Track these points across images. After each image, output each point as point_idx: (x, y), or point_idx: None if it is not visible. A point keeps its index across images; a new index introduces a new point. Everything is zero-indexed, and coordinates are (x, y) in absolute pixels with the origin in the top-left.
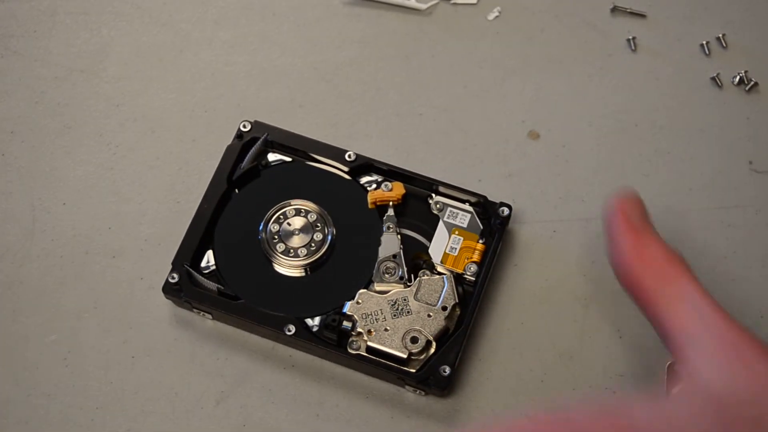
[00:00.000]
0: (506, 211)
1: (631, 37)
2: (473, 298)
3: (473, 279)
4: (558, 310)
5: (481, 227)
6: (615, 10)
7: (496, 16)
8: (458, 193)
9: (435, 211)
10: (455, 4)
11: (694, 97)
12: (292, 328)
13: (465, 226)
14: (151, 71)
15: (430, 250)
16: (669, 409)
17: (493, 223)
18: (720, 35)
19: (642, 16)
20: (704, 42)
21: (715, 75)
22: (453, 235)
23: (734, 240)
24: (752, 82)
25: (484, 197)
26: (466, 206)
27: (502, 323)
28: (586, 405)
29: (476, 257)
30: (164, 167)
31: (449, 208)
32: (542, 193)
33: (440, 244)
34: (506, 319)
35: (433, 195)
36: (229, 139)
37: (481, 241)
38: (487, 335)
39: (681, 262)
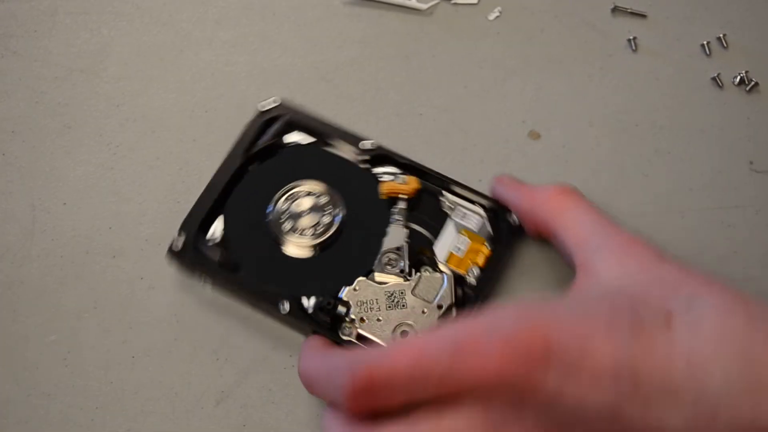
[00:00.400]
0: (516, 219)
1: (631, 37)
2: (471, 302)
3: (474, 283)
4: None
5: (491, 233)
6: (615, 10)
7: (497, 16)
8: (473, 196)
9: (445, 209)
10: (456, 4)
11: (694, 97)
12: (287, 306)
13: (474, 228)
14: (152, 71)
15: (435, 248)
16: (572, 298)
17: (503, 231)
18: (720, 35)
19: (642, 16)
20: (704, 42)
21: (715, 75)
22: (461, 236)
23: (734, 240)
24: (753, 83)
25: (496, 202)
26: (479, 209)
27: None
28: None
29: (480, 261)
30: (164, 167)
31: (460, 208)
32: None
33: (446, 243)
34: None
35: (445, 192)
36: (229, 139)
37: (487, 246)
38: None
39: (570, 192)
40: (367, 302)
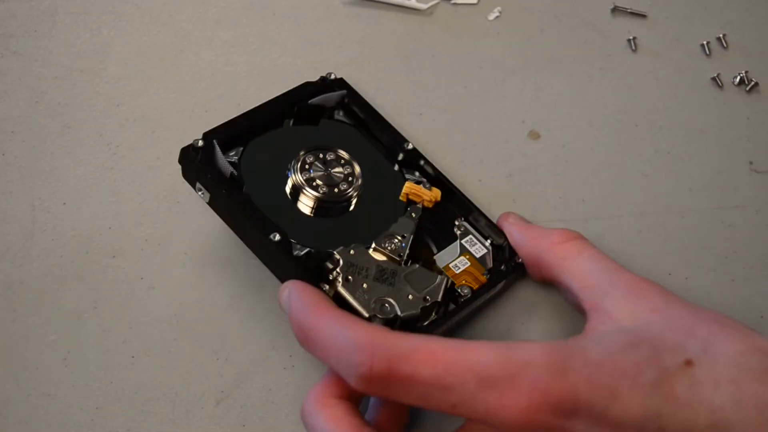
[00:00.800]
0: (521, 260)
1: (631, 37)
2: (454, 310)
3: (463, 298)
4: (558, 310)
5: (490, 266)
6: (615, 10)
7: (497, 17)
8: (487, 229)
9: (456, 231)
10: (456, 4)
11: (694, 97)
12: (277, 236)
13: (477, 256)
14: (152, 71)
15: (435, 257)
16: (595, 341)
17: (506, 267)
18: (720, 35)
19: (642, 16)
20: (704, 42)
21: (715, 75)
22: (462, 257)
23: (734, 240)
24: (752, 83)
25: (508, 242)
26: (486, 242)
27: (502, 323)
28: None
29: (474, 284)
30: (164, 167)
31: (470, 236)
32: (542, 193)
33: (447, 257)
34: (506, 319)
35: (461, 218)
36: None
37: (485, 275)
38: (488, 335)
39: (575, 239)
40: (357, 266)
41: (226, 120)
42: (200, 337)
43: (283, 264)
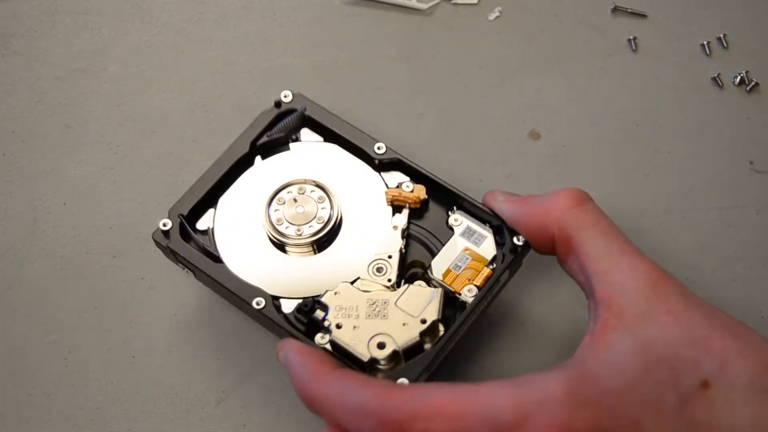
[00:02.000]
0: (521, 239)
1: (631, 37)
2: (459, 320)
3: (468, 302)
4: (558, 310)
5: (495, 253)
6: (615, 10)
7: (497, 16)
8: (483, 214)
9: (452, 224)
10: (456, 4)
11: (694, 97)
12: (262, 302)
13: (477, 247)
14: (152, 71)
15: (433, 262)
16: (609, 363)
17: (504, 250)
18: (720, 35)
19: (642, 16)
20: (705, 42)
21: (715, 75)
22: (462, 253)
23: (734, 240)
24: (753, 82)
25: (504, 222)
26: (486, 229)
27: (502, 324)
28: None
29: (479, 282)
30: (164, 167)
31: (467, 226)
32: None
33: (446, 259)
34: (506, 319)
35: (455, 208)
36: (229, 139)
37: (490, 267)
38: (487, 335)
39: (585, 202)
40: (346, 308)
41: (190, 186)
42: (200, 337)
43: (273, 325)
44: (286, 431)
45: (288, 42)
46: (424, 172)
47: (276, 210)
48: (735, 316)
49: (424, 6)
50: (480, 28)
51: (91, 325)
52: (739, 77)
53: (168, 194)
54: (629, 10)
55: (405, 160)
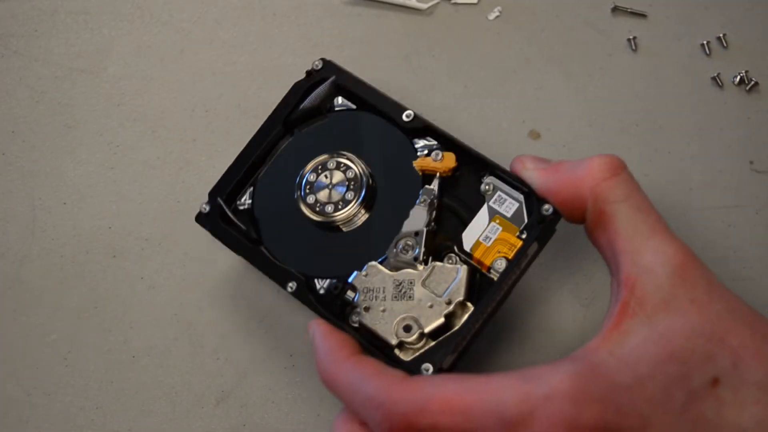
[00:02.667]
0: (550, 209)
1: (631, 37)
2: (487, 298)
3: (495, 278)
4: (558, 310)
5: (526, 221)
6: (615, 9)
7: (497, 16)
8: (513, 179)
9: (483, 193)
10: (456, 4)
11: (694, 97)
12: (294, 286)
13: (509, 215)
14: (152, 71)
15: (463, 235)
16: (615, 354)
17: (532, 221)
18: (720, 35)
19: (642, 16)
20: (704, 42)
21: (715, 75)
22: (492, 223)
23: (734, 240)
24: (753, 82)
25: (532, 190)
26: (517, 194)
27: (502, 323)
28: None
29: (509, 253)
30: (164, 167)
31: (499, 192)
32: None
33: (476, 230)
34: (506, 319)
35: (488, 174)
36: (229, 139)
37: (522, 237)
38: (487, 335)
39: (620, 171)
40: (373, 290)
41: (227, 168)
42: (200, 337)
43: (306, 306)
44: (286, 431)
45: (288, 42)
46: (452, 138)
47: (307, 187)
48: None
49: (424, 6)
50: (480, 28)
51: (91, 325)
52: (739, 77)
53: (168, 194)
54: (629, 10)
55: (435, 128)
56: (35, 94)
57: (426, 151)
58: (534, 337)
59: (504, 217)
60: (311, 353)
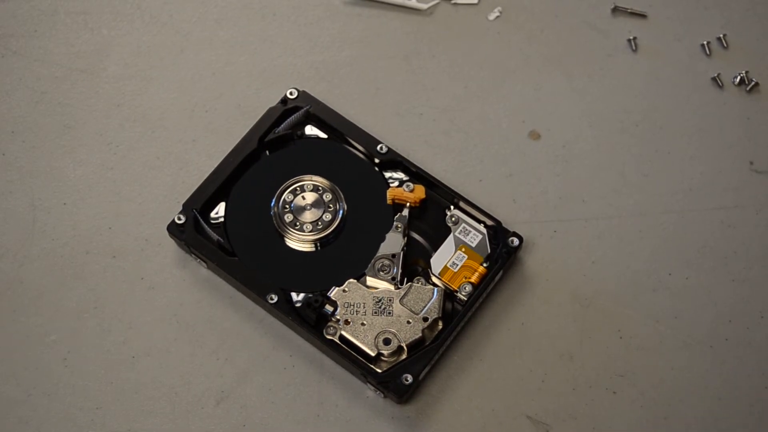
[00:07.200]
0: (516, 241)
1: (631, 37)
2: (457, 318)
3: (465, 299)
4: (558, 310)
5: (489, 251)
6: (615, 10)
7: (497, 17)
8: (476, 212)
9: (449, 223)
10: (456, 4)
11: (694, 97)
12: (275, 298)
13: (473, 245)
14: (151, 71)
15: (431, 260)
16: None
17: (499, 251)
18: (720, 35)
19: (642, 16)
20: (704, 42)
21: (715, 75)
22: (459, 252)
23: (734, 240)
24: (753, 82)
25: (499, 223)
26: (480, 227)
27: (501, 323)
28: None
29: (474, 279)
30: (164, 167)
31: (463, 224)
32: (542, 193)
33: (443, 257)
34: (506, 319)
35: (452, 207)
36: (229, 139)
37: (484, 265)
38: (487, 335)
39: None
40: (354, 305)
41: (202, 181)
42: (200, 337)
43: (284, 319)
44: (286, 431)
45: (288, 42)
46: (423, 172)
47: (284, 206)
48: (735, 316)
49: (424, 6)
50: (480, 28)
51: (90, 325)
52: (739, 77)
53: (168, 194)
54: (629, 10)
55: (406, 161)
56: (35, 94)
57: (396, 183)
58: (533, 338)
59: (469, 246)
60: (311, 353)
